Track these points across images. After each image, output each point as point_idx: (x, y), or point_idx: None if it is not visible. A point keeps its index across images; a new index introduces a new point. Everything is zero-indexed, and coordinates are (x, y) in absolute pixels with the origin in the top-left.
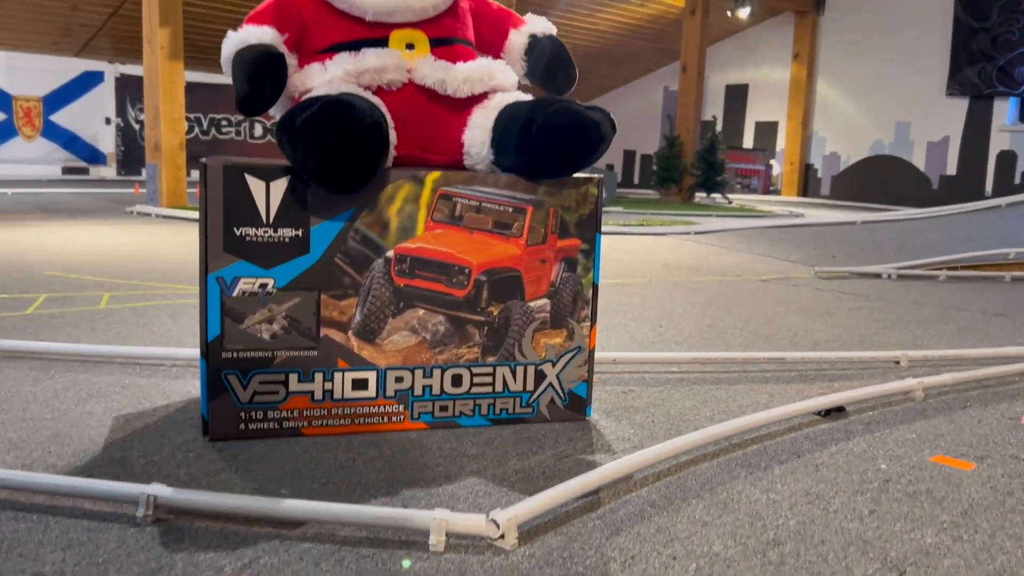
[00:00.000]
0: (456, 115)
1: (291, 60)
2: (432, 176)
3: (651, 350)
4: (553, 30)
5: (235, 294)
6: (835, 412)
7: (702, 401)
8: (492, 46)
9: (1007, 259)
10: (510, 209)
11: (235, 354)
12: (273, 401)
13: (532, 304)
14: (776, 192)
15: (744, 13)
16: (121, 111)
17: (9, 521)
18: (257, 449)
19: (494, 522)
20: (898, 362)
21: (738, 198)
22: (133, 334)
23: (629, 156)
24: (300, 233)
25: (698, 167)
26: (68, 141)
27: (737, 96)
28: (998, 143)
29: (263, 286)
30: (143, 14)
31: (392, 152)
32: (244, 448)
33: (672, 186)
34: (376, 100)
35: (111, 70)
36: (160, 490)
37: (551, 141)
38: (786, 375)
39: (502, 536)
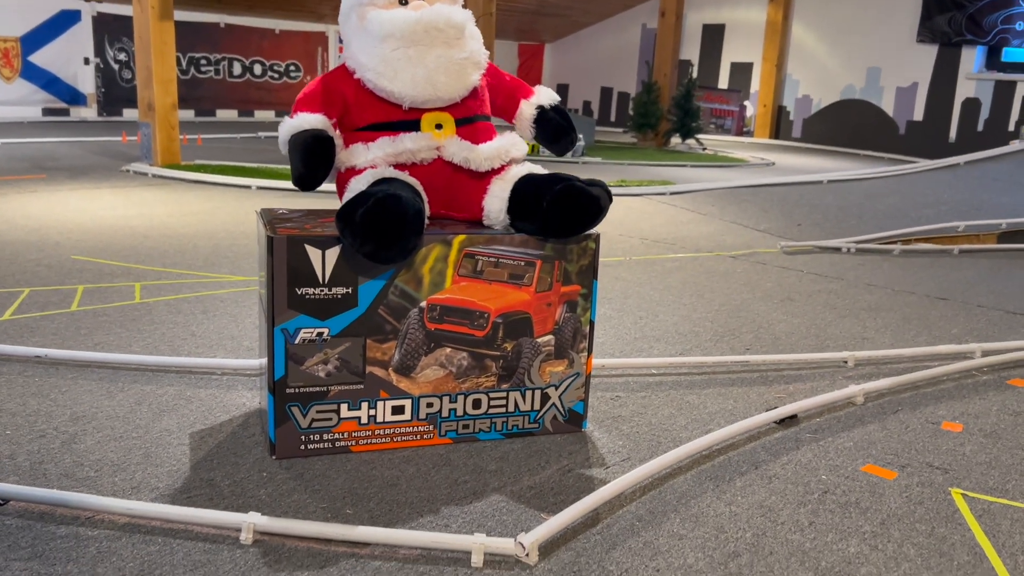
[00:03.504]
0: (477, 182)
1: (337, 141)
2: (459, 239)
3: (634, 346)
4: (557, 100)
5: (297, 342)
6: (789, 420)
7: (677, 408)
8: (505, 113)
9: (957, 231)
10: (522, 263)
11: (297, 390)
12: (328, 426)
13: (539, 340)
14: (749, 133)
15: None
16: (100, 51)
17: (142, 544)
18: (317, 467)
19: (521, 544)
20: (846, 362)
21: (712, 140)
22: (177, 336)
23: (606, 93)
24: (350, 291)
25: (674, 113)
26: (48, 82)
27: (714, 36)
28: (964, 90)
29: (320, 334)
30: None
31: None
32: (307, 467)
33: (649, 132)
34: (412, 180)
35: (87, 8)
36: (258, 519)
37: (558, 214)
38: (749, 377)
39: (527, 555)
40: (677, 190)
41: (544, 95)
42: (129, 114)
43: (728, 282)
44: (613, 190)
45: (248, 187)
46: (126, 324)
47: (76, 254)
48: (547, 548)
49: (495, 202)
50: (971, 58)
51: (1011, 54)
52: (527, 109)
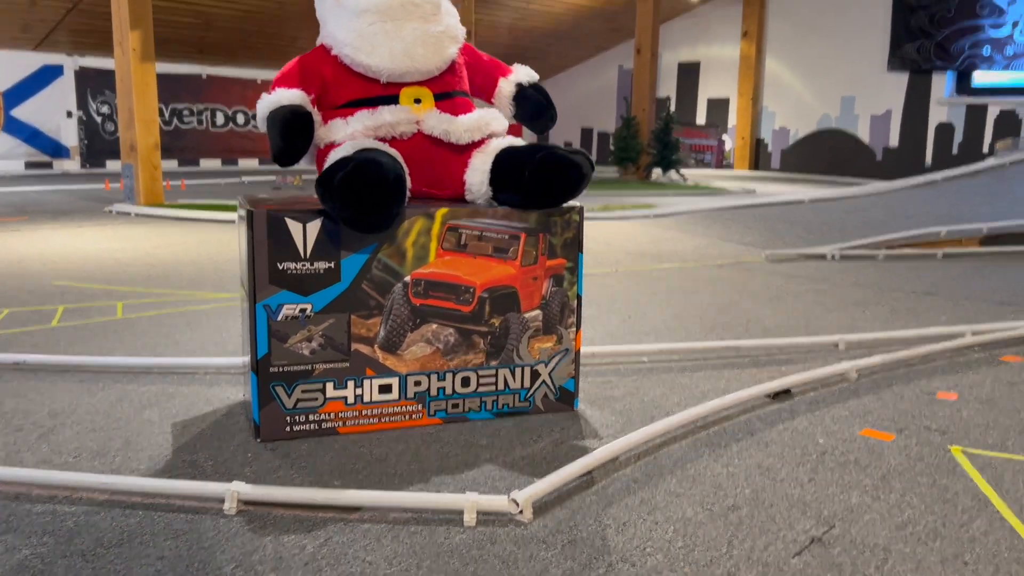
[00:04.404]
0: (458, 157)
1: (316, 117)
2: (441, 212)
3: (622, 341)
4: (536, 78)
5: (280, 318)
6: (782, 394)
7: (670, 388)
8: (484, 92)
9: (939, 237)
10: (506, 236)
11: (281, 368)
12: (313, 406)
13: (527, 315)
14: (729, 166)
15: None
16: (82, 104)
17: (121, 517)
18: (303, 448)
19: (514, 501)
20: (837, 345)
21: (693, 174)
22: (159, 344)
23: (587, 134)
24: (332, 265)
25: (654, 147)
26: (30, 136)
27: (689, 73)
28: (937, 116)
29: (303, 311)
30: (112, 17)
31: (408, 193)
32: (292, 447)
33: (630, 165)
34: (392, 151)
35: (70, 63)
36: (241, 487)
37: (540, 182)
38: (741, 361)
39: (521, 512)
40: (660, 213)
41: (522, 73)
42: (112, 166)
43: (715, 286)
44: (597, 215)
45: (232, 221)
46: (107, 336)
47: (57, 280)
48: (542, 508)
49: (477, 175)
50: (941, 84)
51: (980, 78)
52: (506, 87)
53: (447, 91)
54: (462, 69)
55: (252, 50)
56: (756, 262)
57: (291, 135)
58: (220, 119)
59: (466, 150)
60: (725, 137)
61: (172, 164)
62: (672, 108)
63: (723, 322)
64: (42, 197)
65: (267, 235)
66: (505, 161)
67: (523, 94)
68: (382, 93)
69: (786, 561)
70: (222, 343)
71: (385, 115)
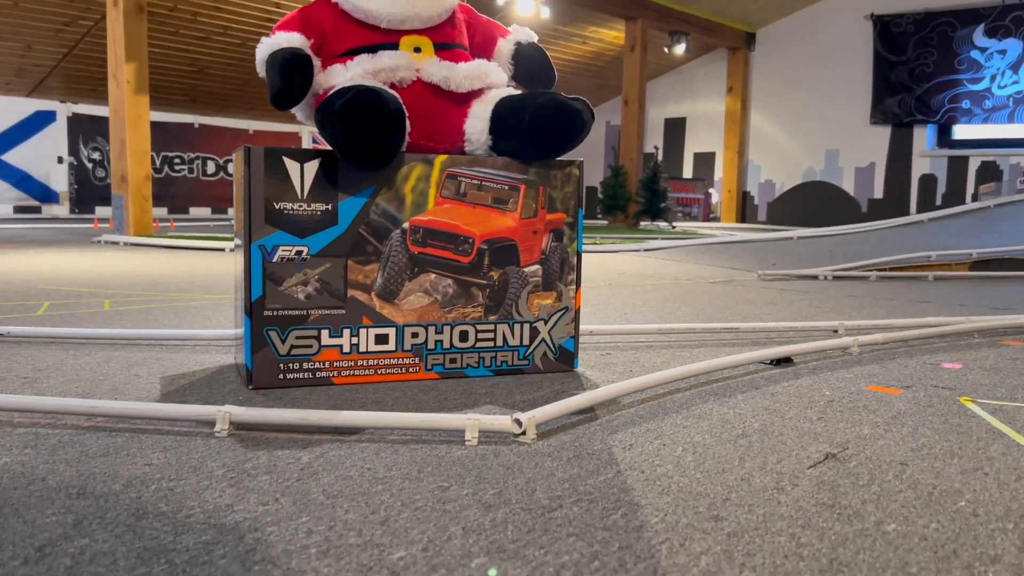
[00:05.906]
0: (457, 108)
1: (315, 62)
2: (440, 159)
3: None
4: (535, 38)
5: (275, 260)
6: (784, 361)
7: (671, 358)
8: (483, 52)
9: (929, 261)
10: (506, 187)
11: (275, 312)
12: (308, 354)
13: (526, 270)
14: (716, 219)
15: (680, 49)
16: (74, 150)
17: (107, 437)
18: (296, 394)
19: (517, 421)
20: (836, 331)
21: (680, 225)
22: (147, 326)
23: None
24: (330, 207)
25: (642, 195)
26: (20, 180)
27: (676, 129)
28: (919, 167)
29: (299, 253)
30: (108, 49)
31: (407, 138)
32: (285, 393)
33: (618, 213)
34: (393, 92)
35: (63, 109)
36: (233, 408)
37: (540, 127)
38: (740, 341)
39: (523, 433)
40: (650, 247)
41: (522, 33)
42: (102, 212)
43: (710, 296)
44: (588, 248)
45: (222, 250)
46: (95, 322)
47: (44, 285)
48: (545, 433)
49: (477, 123)
50: (923, 137)
51: (960, 131)
52: (505, 46)
53: (447, 42)
54: (462, 25)
55: (244, 100)
56: (749, 280)
57: (290, 74)
58: (211, 168)
59: (465, 101)
60: (711, 190)
61: (162, 211)
62: (660, 156)
63: (720, 318)
64: (29, 232)
65: (264, 173)
66: (505, 107)
67: (522, 52)
68: (382, 40)
69: (802, 471)
70: (212, 328)
71: (385, 59)
